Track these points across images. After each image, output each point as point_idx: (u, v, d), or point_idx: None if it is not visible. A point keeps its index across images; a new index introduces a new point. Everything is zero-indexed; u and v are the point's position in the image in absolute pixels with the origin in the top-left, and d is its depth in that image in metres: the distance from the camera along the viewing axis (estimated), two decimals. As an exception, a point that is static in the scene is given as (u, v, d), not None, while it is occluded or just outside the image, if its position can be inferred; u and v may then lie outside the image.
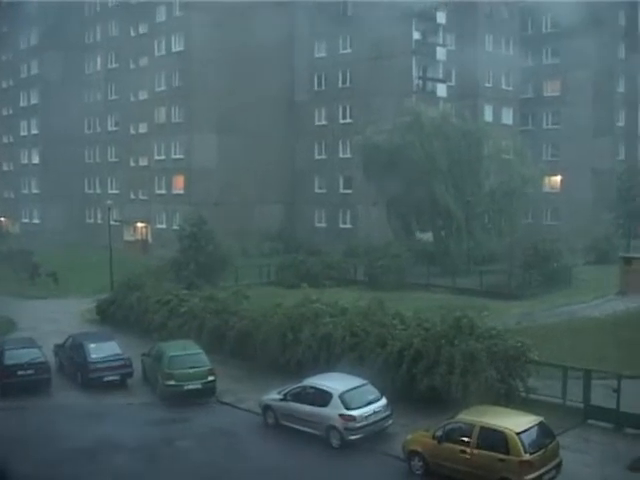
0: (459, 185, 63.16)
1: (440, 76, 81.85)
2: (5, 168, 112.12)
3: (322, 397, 27.41)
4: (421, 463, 24.33)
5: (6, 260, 67.97)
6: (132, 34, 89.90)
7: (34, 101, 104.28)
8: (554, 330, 39.74)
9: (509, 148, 67.24)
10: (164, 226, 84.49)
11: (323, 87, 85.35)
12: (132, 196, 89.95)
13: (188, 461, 26.60)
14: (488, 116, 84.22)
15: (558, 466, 23.09)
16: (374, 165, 65.41)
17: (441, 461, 23.80)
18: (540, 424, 23.44)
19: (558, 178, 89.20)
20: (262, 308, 38.22)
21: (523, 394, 28.60)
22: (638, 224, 75.07)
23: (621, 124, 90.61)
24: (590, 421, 27.49)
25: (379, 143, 64.76)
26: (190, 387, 32.09)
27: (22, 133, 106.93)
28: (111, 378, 34.22)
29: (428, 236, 67.84)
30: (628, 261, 53.77)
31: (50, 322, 48.12)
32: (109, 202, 68.56)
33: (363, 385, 27.90)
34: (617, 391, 26.69)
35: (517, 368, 28.90)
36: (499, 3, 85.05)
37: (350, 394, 27.19)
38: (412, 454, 24.64)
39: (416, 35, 79.75)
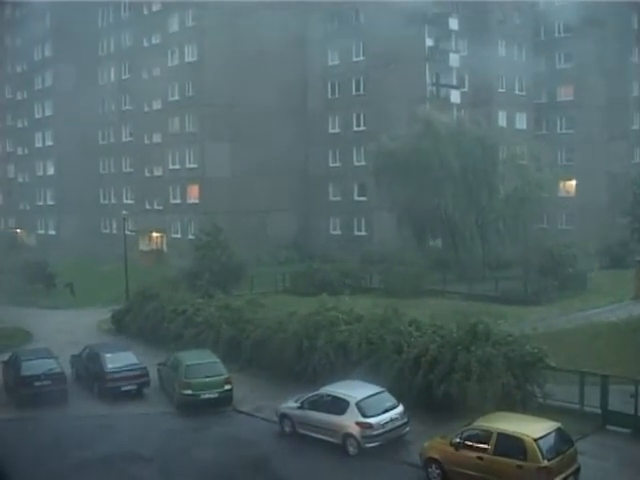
0: (473, 191, 62.96)
1: (453, 82, 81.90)
2: (20, 180, 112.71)
3: (339, 405, 27.40)
4: (439, 470, 24.24)
5: (22, 271, 68.26)
6: (145, 44, 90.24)
7: (48, 113, 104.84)
8: (571, 335, 39.57)
9: (523, 153, 67.10)
10: (179, 235, 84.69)
11: (336, 95, 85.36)
12: (147, 206, 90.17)
13: (205, 471, 26.62)
14: (502, 121, 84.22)
15: (576, 472, 22.97)
16: (387, 172, 65.31)
17: (458, 468, 23.69)
18: (558, 430, 23.33)
19: (573, 182, 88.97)
20: (278, 316, 38.30)
21: (540, 400, 28.51)
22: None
23: (636, 127, 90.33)
24: (608, 427, 27.37)
25: (392, 150, 64.67)
26: (207, 396, 32.14)
27: (37, 145, 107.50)
28: (128, 388, 34.33)
29: (441, 243, 67.74)
30: (645, 265, 53.45)
31: (66, 333, 48.37)
32: (124, 212, 68.68)
33: (380, 392, 27.89)
34: (635, 396, 26.59)
35: (534, 374, 28.83)
36: (511, 9, 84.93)
37: (367, 402, 27.17)
38: (429, 461, 24.57)
39: (429, 42, 79.94)
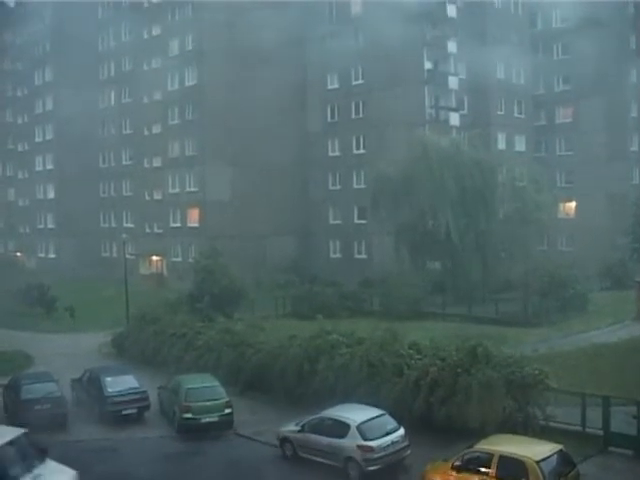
0: (472, 213, 63.00)
1: (453, 105, 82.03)
2: (21, 203, 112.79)
3: (340, 428, 27.30)
4: (440, 493, 24.15)
5: (23, 295, 68.23)
6: (145, 68, 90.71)
7: (49, 136, 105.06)
8: (572, 357, 39.54)
9: (522, 175, 67.26)
10: (179, 259, 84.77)
11: (336, 118, 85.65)
12: (147, 229, 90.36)
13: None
14: (501, 144, 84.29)
15: (579, 494, 22.91)
16: (386, 196, 65.43)
17: (460, 491, 23.62)
18: (560, 452, 23.28)
19: (573, 204, 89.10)
20: (278, 340, 38.26)
21: (542, 422, 28.43)
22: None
23: (635, 148, 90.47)
24: (610, 448, 27.26)
25: (390, 174, 64.83)
26: (207, 420, 32.03)
27: (37, 168, 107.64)
28: (128, 412, 34.18)
29: (439, 265, 67.74)
30: (644, 286, 53.40)
31: (66, 356, 48.19)
32: (124, 236, 68.81)
33: (381, 415, 27.81)
34: (637, 417, 26.50)
35: (535, 396, 28.78)
36: (510, 31, 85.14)
37: (368, 425, 27.08)
38: (431, 484, 24.49)
39: (428, 65, 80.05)
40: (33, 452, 23.34)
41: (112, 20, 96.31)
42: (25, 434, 23.71)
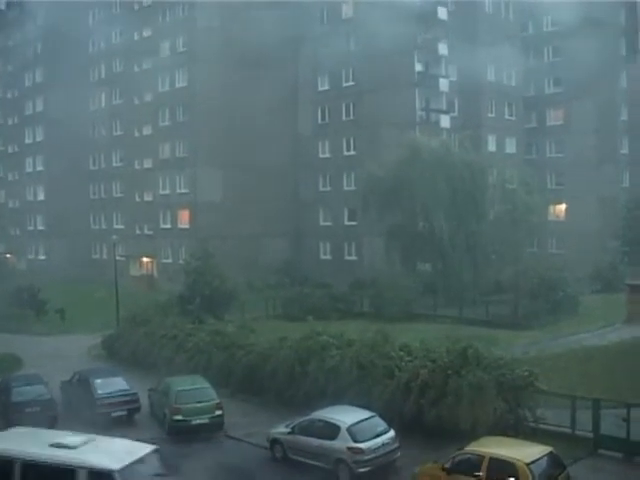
0: (462, 215, 63.03)
1: (443, 107, 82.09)
2: (11, 205, 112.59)
3: (330, 430, 27.26)
4: (431, 495, 24.13)
5: (13, 297, 67.97)
6: (136, 70, 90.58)
7: (39, 138, 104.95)
8: (562, 359, 39.50)
9: (513, 177, 67.34)
10: (170, 260, 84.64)
11: (327, 120, 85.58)
12: (137, 231, 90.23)
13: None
14: (492, 146, 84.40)
15: (569, 496, 22.91)
16: (376, 198, 65.45)
17: (451, 493, 23.59)
18: (550, 454, 23.27)
19: (563, 206, 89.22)
20: (269, 342, 38.22)
21: (532, 424, 28.44)
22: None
23: (625, 151, 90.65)
24: (600, 451, 27.26)
25: (381, 176, 64.86)
26: (197, 422, 31.92)
27: (27, 170, 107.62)
28: (118, 414, 34.03)
29: (429, 267, 67.76)
30: (635, 289, 53.35)
31: (56, 359, 48.01)
32: (115, 237, 68.68)
33: (371, 417, 27.77)
34: (627, 420, 26.51)
35: (525, 398, 28.78)
36: (501, 35, 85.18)
37: (358, 427, 27.04)
38: (421, 486, 24.48)
39: (418, 67, 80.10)
40: (164, 470, 22.65)
41: (103, 22, 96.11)
42: (156, 450, 22.87)
